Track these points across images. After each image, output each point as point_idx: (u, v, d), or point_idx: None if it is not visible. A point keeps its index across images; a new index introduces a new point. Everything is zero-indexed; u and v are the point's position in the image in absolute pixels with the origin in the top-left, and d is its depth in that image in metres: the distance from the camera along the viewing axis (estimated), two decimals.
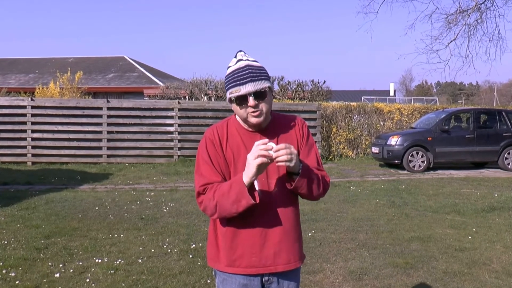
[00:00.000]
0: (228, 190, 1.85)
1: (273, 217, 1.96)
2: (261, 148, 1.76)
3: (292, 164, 1.80)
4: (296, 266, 2.03)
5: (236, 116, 2.03)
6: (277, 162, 1.79)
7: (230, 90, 1.93)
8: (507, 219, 6.88)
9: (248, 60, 1.96)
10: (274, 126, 2.03)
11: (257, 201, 1.83)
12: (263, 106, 1.92)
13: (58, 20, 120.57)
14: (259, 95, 1.91)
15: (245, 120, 1.96)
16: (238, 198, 1.82)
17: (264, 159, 1.76)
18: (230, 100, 1.95)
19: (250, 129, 2.00)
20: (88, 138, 13.02)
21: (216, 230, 2.03)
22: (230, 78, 1.94)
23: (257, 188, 1.92)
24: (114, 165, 12.65)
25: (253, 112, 1.91)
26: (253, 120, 1.93)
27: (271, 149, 1.77)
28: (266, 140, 1.80)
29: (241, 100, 1.91)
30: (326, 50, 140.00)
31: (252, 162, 1.77)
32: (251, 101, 1.89)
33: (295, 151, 1.82)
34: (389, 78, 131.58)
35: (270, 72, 2.01)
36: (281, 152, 1.77)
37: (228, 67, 1.98)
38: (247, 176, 1.81)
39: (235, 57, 1.99)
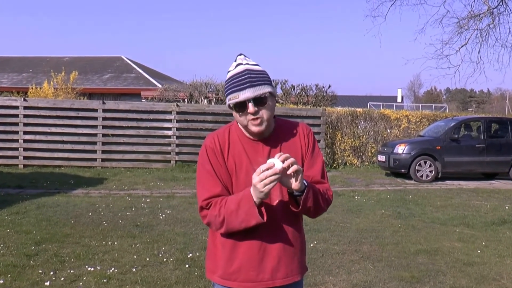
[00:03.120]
0: (237, 208, 1.85)
1: (274, 230, 1.96)
2: (269, 174, 1.74)
3: (298, 179, 1.81)
4: (293, 280, 2.02)
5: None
6: (286, 170, 1.78)
7: (229, 96, 1.92)
8: None
9: (248, 64, 1.95)
10: (277, 134, 2.02)
11: (265, 219, 1.84)
12: (263, 113, 1.91)
13: (53, 18, 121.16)
14: (259, 101, 1.90)
15: (246, 128, 1.96)
16: (248, 218, 1.84)
17: (275, 183, 1.76)
18: (230, 107, 1.95)
19: (252, 138, 1.99)
20: (82, 141, 13.03)
21: (215, 241, 2.03)
22: (229, 83, 1.94)
23: None
24: (109, 170, 12.66)
25: (253, 120, 1.91)
26: (254, 128, 1.93)
27: (278, 172, 1.75)
28: (272, 163, 1.77)
29: (240, 107, 1.90)
30: (331, 53, 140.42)
31: (262, 189, 1.76)
32: (251, 107, 1.89)
33: (300, 168, 1.82)
34: (396, 83, 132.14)
35: (272, 75, 2.00)
36: (289, 160, 1.77)
37: (228, 72, 1.98)
38: (256, 197, 1.81)
39: (235, 61, 1.99)
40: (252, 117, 1.90)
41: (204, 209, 1.94)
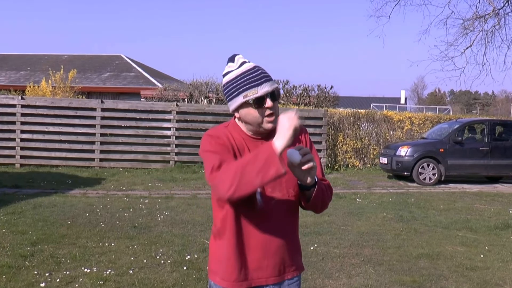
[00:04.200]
0: (255, 157, 1.71)
1: (274, 229, 1.97)
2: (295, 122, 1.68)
3: (312, 174, 1.81)
4: (288, 277, 2.04)
5: (237, 121, 2.02)
6: (302, 164, 1.76)
7: (245, 93, 1.89)
8: None
9: (250, 62, 1.97)
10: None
11: (285, 170, 1.70)
12: (276, 109, 1.94)
13: (52, 16, 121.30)
14: (274, 96, 1.92)
15: (258, 126, 1.94)
16: (266, 168, 1.66)
17: (299, 122, 1.69)
18: (245, 104, 1.91)
19: (254, 136, 1.99)
20: (80, 140, 13.04)
21: (218, 242, 2.04)
22: (241, 80, 1.91)
23: (259, 196, 1.93)
24: (107, 170, 12.66)
25: (270, 115, 1.91)
26: (268, 125, 1.92)
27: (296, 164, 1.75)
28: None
29: (259, 103, 1.89)
30: (334, 53, 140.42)
31: (291, 120, 1.68)
32: (269, 102, 1.89)
33: (315, 164, 1.81)
34: (400, 84, 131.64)
35: (274, 76, 2.03)
36: (307, 156, 1.76)
37: (229, 72, 1.96)
38: (282, 138, 1.68)
39: (232, 61, 1.97)
40: (269, 112, 1.90)
41: (214, 171, 1.81)
